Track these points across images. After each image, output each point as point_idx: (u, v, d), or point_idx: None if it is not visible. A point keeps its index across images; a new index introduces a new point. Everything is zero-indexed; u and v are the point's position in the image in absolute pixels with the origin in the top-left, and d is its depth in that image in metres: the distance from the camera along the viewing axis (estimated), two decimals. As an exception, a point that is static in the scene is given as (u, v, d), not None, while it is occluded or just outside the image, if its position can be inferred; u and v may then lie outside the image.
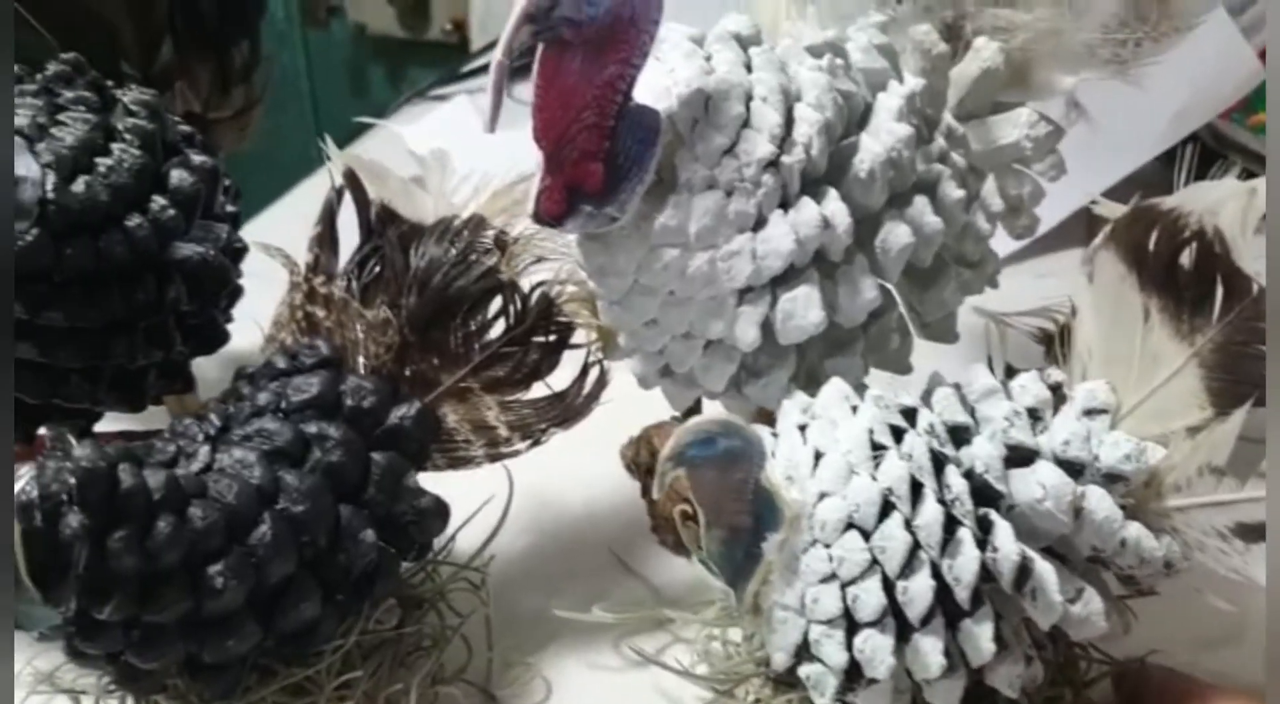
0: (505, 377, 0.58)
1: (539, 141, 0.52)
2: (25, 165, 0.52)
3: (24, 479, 0.45)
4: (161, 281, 0.56)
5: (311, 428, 0.53)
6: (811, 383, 0.56)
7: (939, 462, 0.48)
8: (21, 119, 0.54)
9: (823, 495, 0.47)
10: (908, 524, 0.46)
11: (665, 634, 0.60)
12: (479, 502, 0.60)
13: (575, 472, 0.68)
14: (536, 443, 0.58)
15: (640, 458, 0.70)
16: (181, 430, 0.53)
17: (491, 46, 1.29)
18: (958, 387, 0.52)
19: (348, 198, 0.60)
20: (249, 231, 0.67)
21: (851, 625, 0.46)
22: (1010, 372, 0.62)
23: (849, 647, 0.46)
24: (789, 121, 0.52)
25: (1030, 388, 0.52)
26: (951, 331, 0.58)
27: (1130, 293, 0.51)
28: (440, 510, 0.55)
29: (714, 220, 0.51)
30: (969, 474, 0.48)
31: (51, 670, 0.54)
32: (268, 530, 0.49)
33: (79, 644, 0.47)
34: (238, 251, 0.61)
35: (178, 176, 0.57)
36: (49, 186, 0.52)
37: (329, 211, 0.61)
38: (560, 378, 0.59)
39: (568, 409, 0.59)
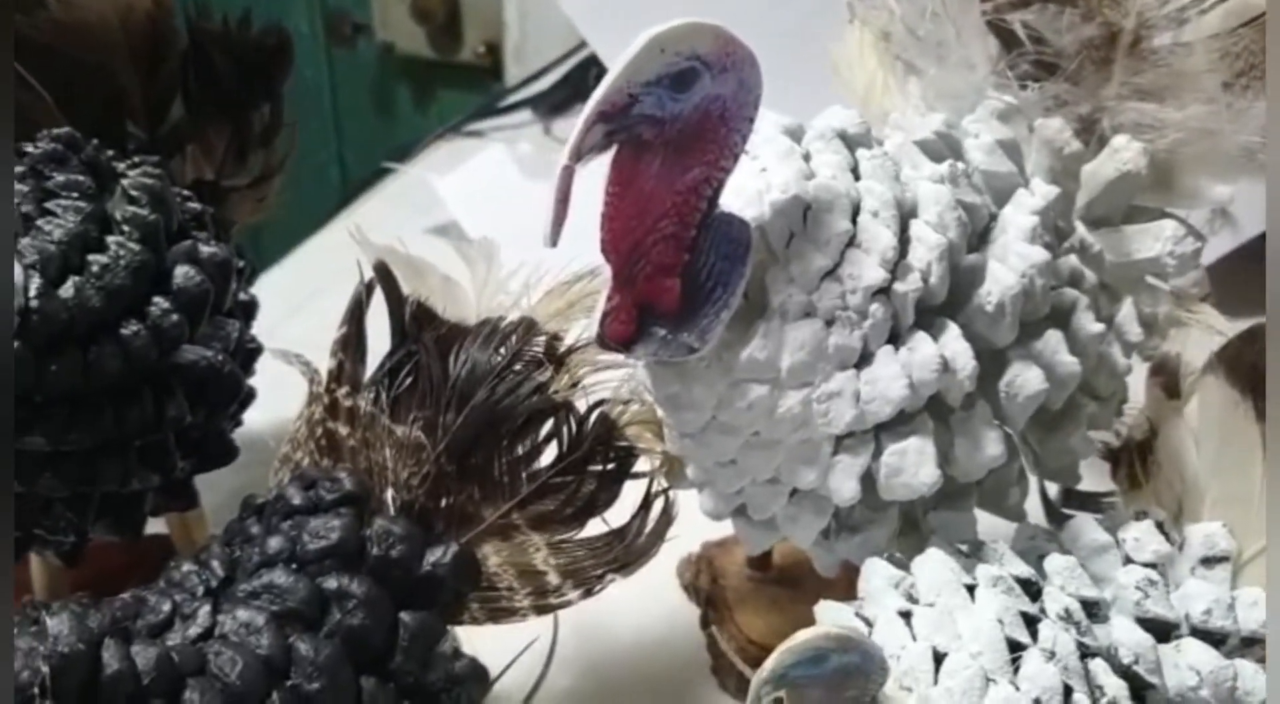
0: (555, 511, 0.50)
1: (607, 255, 0.44)
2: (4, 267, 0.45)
3: (-14, 664, 0.38)
4: (160, 395, 0.48)
5: (331, 583, 0.45)
6: (909, 529, 0.48)
7: (1083, 655, 0.40)
8: (3, 207, 0.47)
9: (951, 711, 0.39)
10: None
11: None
12: (517, 639, 0.52)
13: (625, 593, 0.60)
14: (590, 592, 0.50)
15: (700, 582, 0.62)
16: (179, 580, 0.45)
17: (531, 80, 1.23)
18: (1051, 539, 0.45)
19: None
20: (261, 287, 0.59)
21: None
22: (1070, 495, 0.54)
23: None
24: (904, 242, 0.44)
25: (1147, 542, 0.45)
26: (1075, 474, 0.50)
27: (1244, 423, 0.45)
28: (479, 675, 0.47)
29: (811, 355, 0.43)
30: (1116, 665, 0.40)
31: None
32: (280, 714, 0.42)
33: None
34: (250, 353, 0.53)
35: (183, 274, 0.49)
36: (33, 292, 0.45)
37: (357, 310, 0.53)
38: (616, 512, 0.52)
39: (628, 550, 0.51)
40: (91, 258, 0.47)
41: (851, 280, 0.43)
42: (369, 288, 0.53)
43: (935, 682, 0.40)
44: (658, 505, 0.52)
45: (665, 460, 0.52)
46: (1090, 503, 0.53)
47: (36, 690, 0.37)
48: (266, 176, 0.62)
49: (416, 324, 0.52)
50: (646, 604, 0.62)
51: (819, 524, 0.47)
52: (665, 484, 0.52)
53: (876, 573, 0.44)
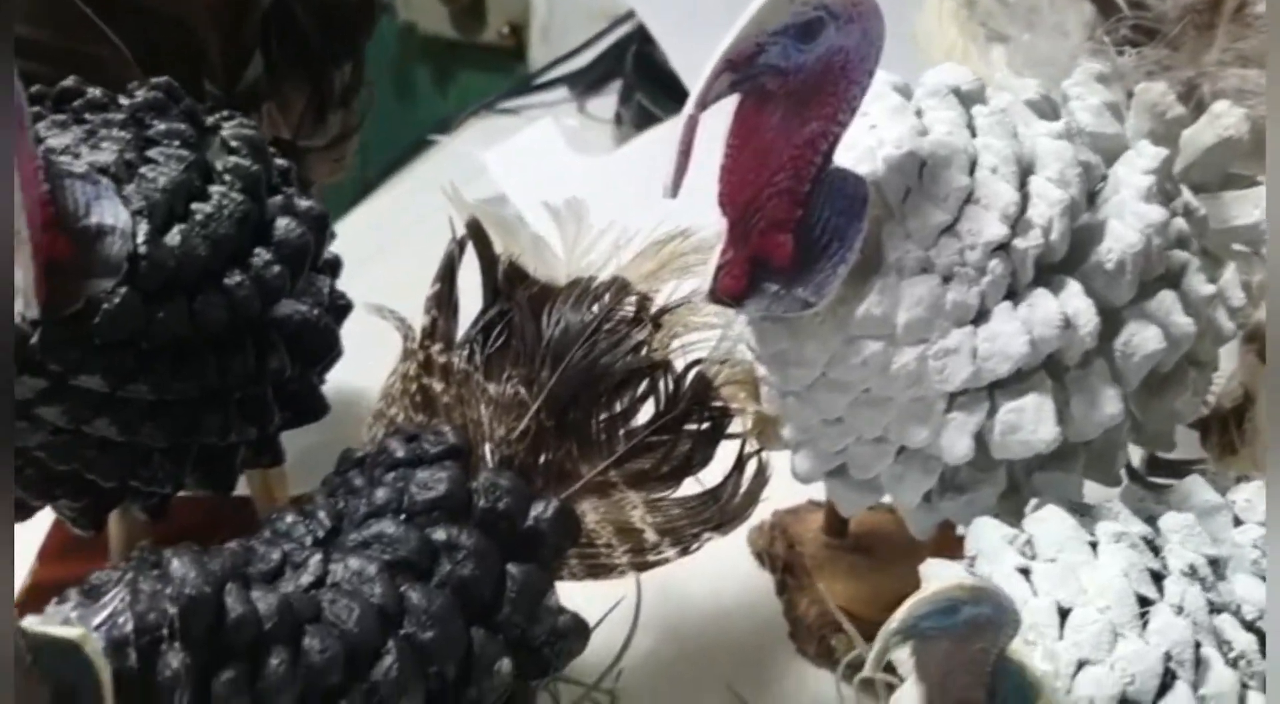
0: (652, 470, 0.50)
1: (724, 207, 0.44)
2: (113, 212, 0.44)
3: (112, 604, 0.37)
4: (261, 348, 0.48)
5: (440, 534, 0.44)
6: (1011, 492, 0.48)
7: (1211, 610, 0.40)
8: (106, 155, 0.46)
9: (1082, 664, 0.39)
10: (1197, 696, 0.38)
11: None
12: (598, 600, 0.51)
13: (698, 559, 0.60)
14: (687, 551, 0.50)
15: (775, 549, 0.62)
16: (285, 531, 0.45)
17: (564, 59, 1.22)
18: (1160, 501, 0.45)
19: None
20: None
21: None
22: (1155, 463, 0.54)
23: None
24: (1023, 198, 0.44)
25: (1258, 503, 0.45)
26: (1171, 440, 0.50)
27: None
28: (580, 631, 0.47)
29: (928, 311, 0.43)
30: (1243, 621, 0.41)
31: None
32: (393, 663, 0.41)
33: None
34: (341, 309, 0.53)
35: (284, 225, 0.49)
36: (140, 238, 0.44)
37: (449, 268, 0.53)
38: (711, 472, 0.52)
39: (724, 510, 0.50)
40: (195, 206, 0.47)
41: (970, 236, 0.43)
42: (461, 245, 0.53)
43: (1060, 636, 0.40)
44: (751, 466, 0.52)
45: (759, 421, 0.52)
46: (1179, 471, 0.53)
47: (166, 632, 0.37)
48: (345, 136, 0.61)
49: (509, 283, 0.52)
50: (721, 571, 0.62)
51: (926, 484, 0.47)
52: (758, 445, 0.52)
53: (989, 531, 0.44)
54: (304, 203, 0.50)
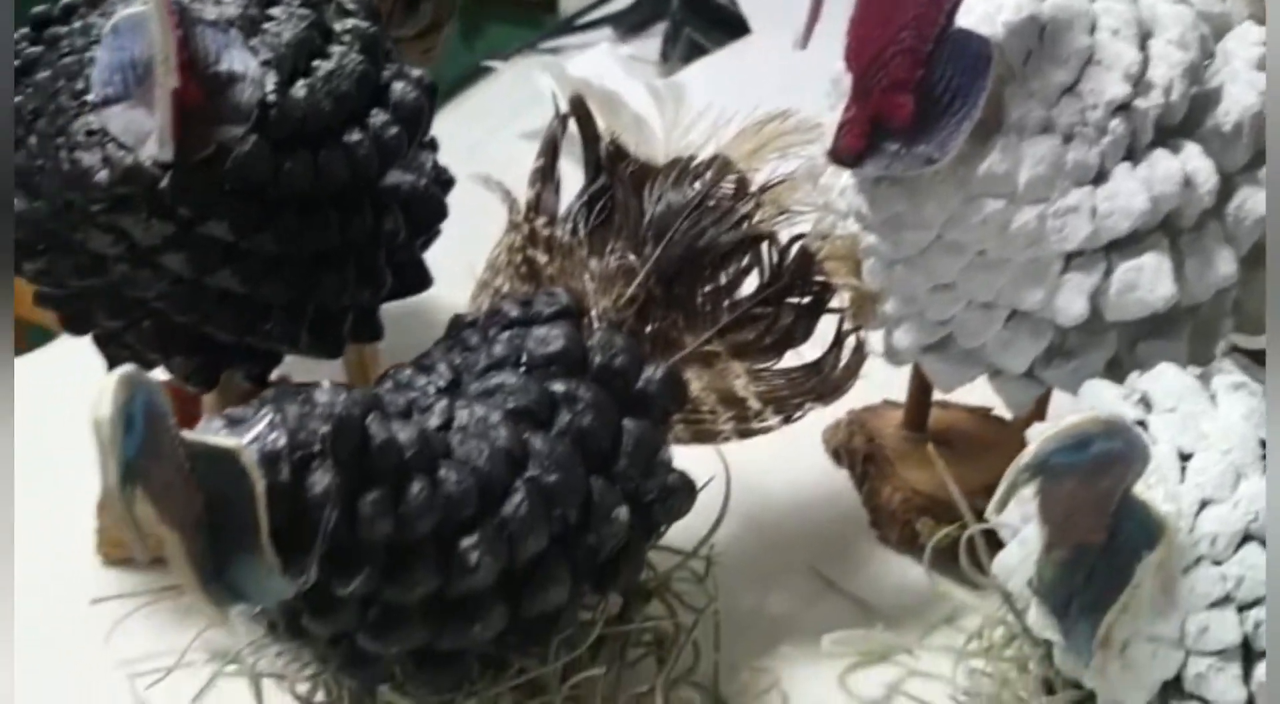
0: (754, 341, 0.51)
1: (849, 62, 0.45)
2: (242, 60, 0.44)
3: (262, 423, 0.38)
4: (378, 209, 0.48)
5: (558, 386, 0.45)
6: (1113, 365, 0.49)
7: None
8: (230, 9, 0.46)
9: (1205, 504, 0.40)
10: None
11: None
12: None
13: (774, 456, 0.60)
14: (789, 419, 0.51)
15: (854, 443, 0.63)
16: (406, 382, 0.45)
17: (589, 9, 1.22)
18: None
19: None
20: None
21: (1250, 656, 0.39)
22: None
23: (1247, 680, 0.38)
24: (1144, 60, 0.44)
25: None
26: (1263, 322, 0.51)
27: None
28: (688, 490, 0.47)
29: (1049, 170, 0.44)
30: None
31: (242, 650, 0.47)
32: (522, 501, 0.42)
33: (308, 622, 0.40)
34: (445, 184, 0.53)
35: (400, 89, 0.49)
36: (270, 87, 0.45)
37: (552, 144, 0.53)
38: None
39: (824, 382, 0.51)
40: (317, 63, 0.47)
41: (1092, 96, 0.44)
42: (563, 122, 0.53)
43: (1182, 480, 0.41)
44: (850, 342, 0.52)
45: (858, 297, 0.52)
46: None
47: (317, 449, 0.38)
48: (435, 26, 0.62)
49: (611, 160, 0.53)
50: (797, 467, 0.63)
51: (1035, 349, 0.47)
52: (855, 323, 0.53)
53: (1103, 389, 0.45)
54: (415, 71, 0.50)
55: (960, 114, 0.44)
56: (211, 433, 0.37)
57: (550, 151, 0.53)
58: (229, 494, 0.36)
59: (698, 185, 0.52)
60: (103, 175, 0.44)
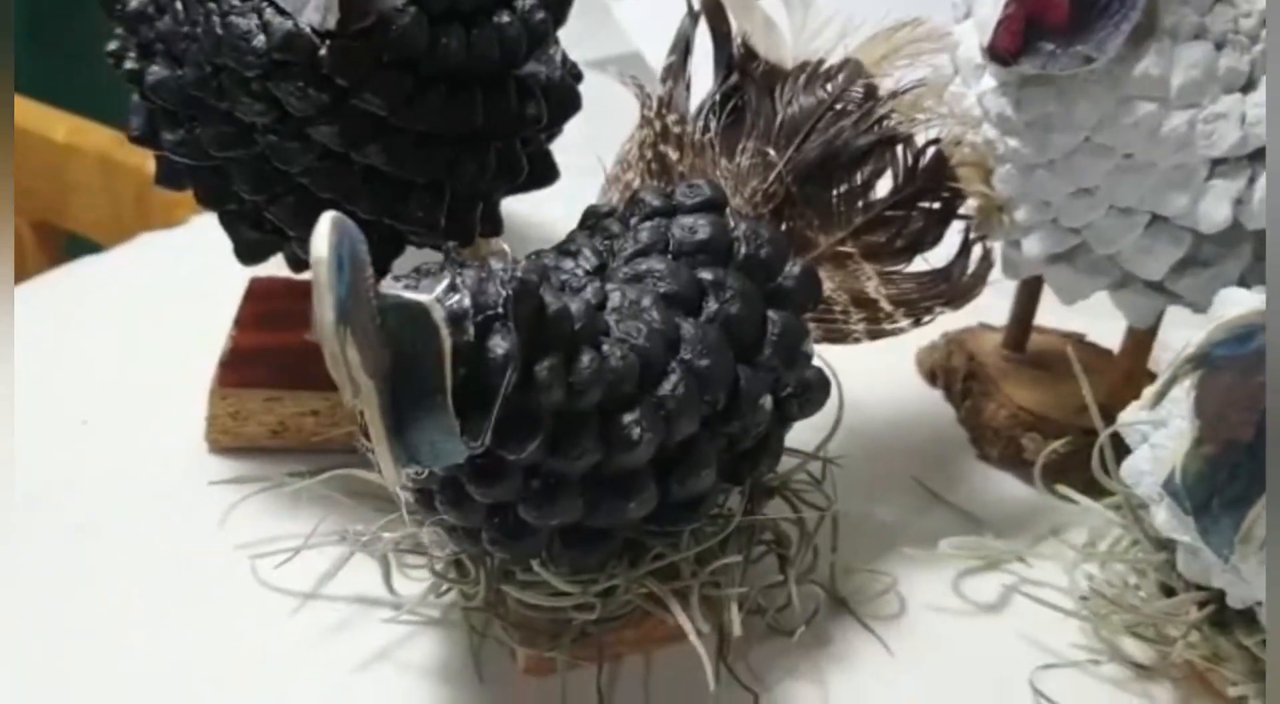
0: (886, 244, 0.51)
1: (1012, -41, 0.45)
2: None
3: (442, 285, 0.38)
4: (522, 95, 0.48)
5: (706, 273, 0.45)
6: (1241, 282, 0.49)
7: None
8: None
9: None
10: None
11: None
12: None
13: (872, 372, 0.60)
14: (919, 322, 0.51)
15: (953, 362, 0.63)
16: (553, 264, 0.45)
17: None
18: None
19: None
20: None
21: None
22: None
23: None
24: (1303, -33, 0.45)
25: None
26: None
27: None
28: (824, 385, 0.48)
29: (1202, 75, 0.44)
30: None
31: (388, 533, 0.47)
32: (678, 381, 0.42)
33: (473, 490, 0.40)
34: (576, 77, 0.53)
35: (546, -28, 0.49)
36: (427, -41, 0.44)
37: (685, 41, 0.53)
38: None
39: (954, 288, 0.51)
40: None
41: (1245, 3, 0.44)
42: (694, 19, 0.53)
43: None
44: (977, 250, 0.53)
45: (986, 205, 0.53)
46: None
47: (499, 311, 0.37)
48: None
49: (743, 60, 0.53)
50: (891, 385, 0.63)
51: (1173, 255, 0.48)
52: (980, 232, 0.53)
53: (1241, 295, 0.45)
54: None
55: (1120, 16, 0.44)
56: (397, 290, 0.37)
57: (683, 49, 0.53)
58: (415, 351, 0.36)
59: (829, 88, 0.52)
60: (260, 40, 0.43)
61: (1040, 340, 0.63)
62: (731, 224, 0.47)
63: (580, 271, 0.45)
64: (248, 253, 0.50)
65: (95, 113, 0.96)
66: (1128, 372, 0.56)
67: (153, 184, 0.52)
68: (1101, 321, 0.60)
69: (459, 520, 0.41)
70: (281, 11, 0.43)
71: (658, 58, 0.55)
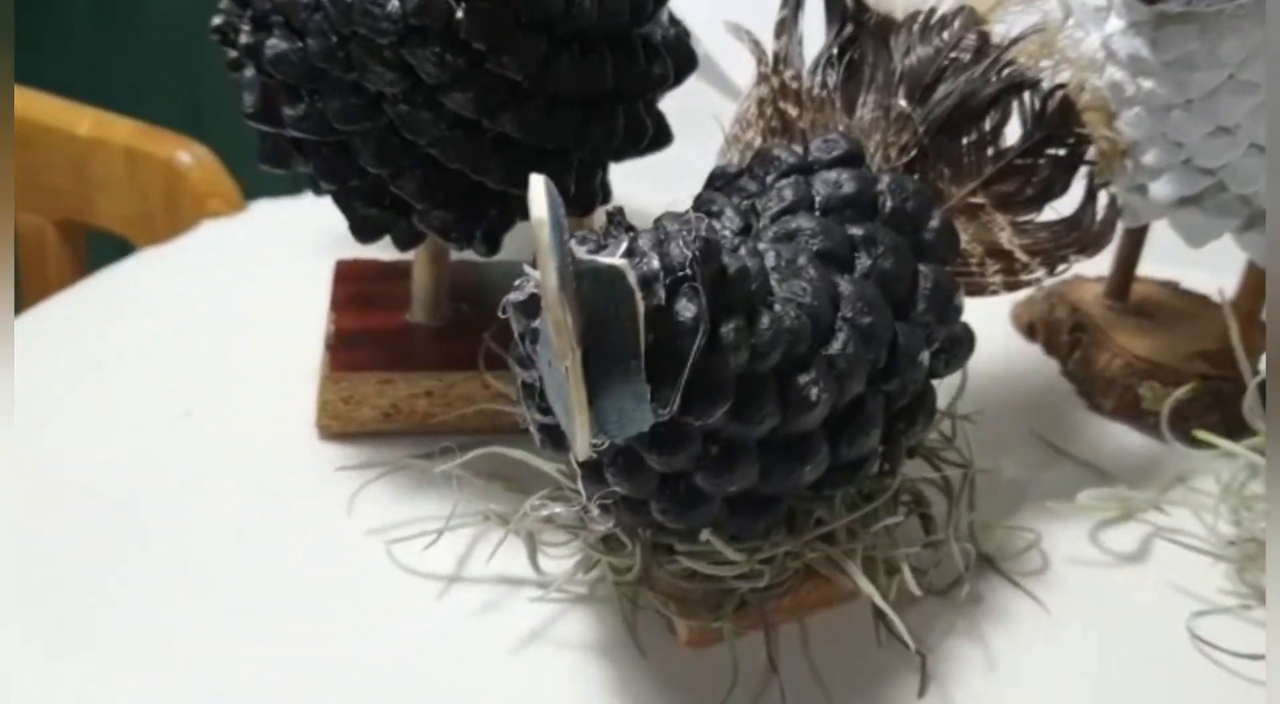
0: (1016, 192, 0.50)
1: (1158, -104, 0.44)
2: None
3: (622, 247, 0.36)
4: (649, 54, 0.47)
5: (856, 229, 0.44)
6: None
7: None
8: None
9: None
10: None
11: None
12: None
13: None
14: (1053, 271, 0.50)
15: (1056, 314, 0.62)
16: (692, 222, 0.44)
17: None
18: None
19: None
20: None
21: None
22: None
23: None
24: None
25: None
26: None
27: None
28: (970, 342, 0.47)
29: (1352, 3, 0.44)
30: None
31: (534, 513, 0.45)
32: (847, 340, 0.41)
33: (653, 458, 0.39)
34: (685, 33, 0.51)
35: (665, -72, 0.47)
36: (561, -82, 0.43)
37: (795, -7, 0.52)
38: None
39: (1085, 235, 0.50)
40: (590, -102, 0.45)
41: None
42: (802, -29, 0.52)
43: None
44: (1103, 196, 0.52)
45: (1110, 149, 0.52)
46: None
47: (689, 271, 0.36)
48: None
49: (856, 11, 0.51)
50: (989, 342, 0.62)
51: (1318, 191, 0.47)
52: (1102, 177, 0.52)
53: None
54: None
55: (1267, -53, 0.43)
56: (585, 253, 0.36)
57: (794, 3, 0.52)
58: (608, 316, 0.35)
59: (945, 36, 0.51)
60: (394, 6, 0.41)
61: (1139, 288, 0.62)
62: (874, 177, 0.46)
63: (728, 232, 0.44)
64: (366, 230, 0.48)
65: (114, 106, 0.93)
66: (1249, 313, 0.55)
67: (259, 161, 0.50)
68: (1188, 270, 0.60)
69: (631, 491, 0.40)
70: (415, -26, 0.42)
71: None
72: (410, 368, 0.53)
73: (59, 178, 0.92)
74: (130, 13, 1.39)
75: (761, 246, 0.42)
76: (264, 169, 0.49)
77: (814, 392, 0.39)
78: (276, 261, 0.66)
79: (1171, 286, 0.64)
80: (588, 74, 0.44)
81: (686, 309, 0.36)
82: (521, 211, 0.48)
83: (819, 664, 0.45)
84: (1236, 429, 0.52)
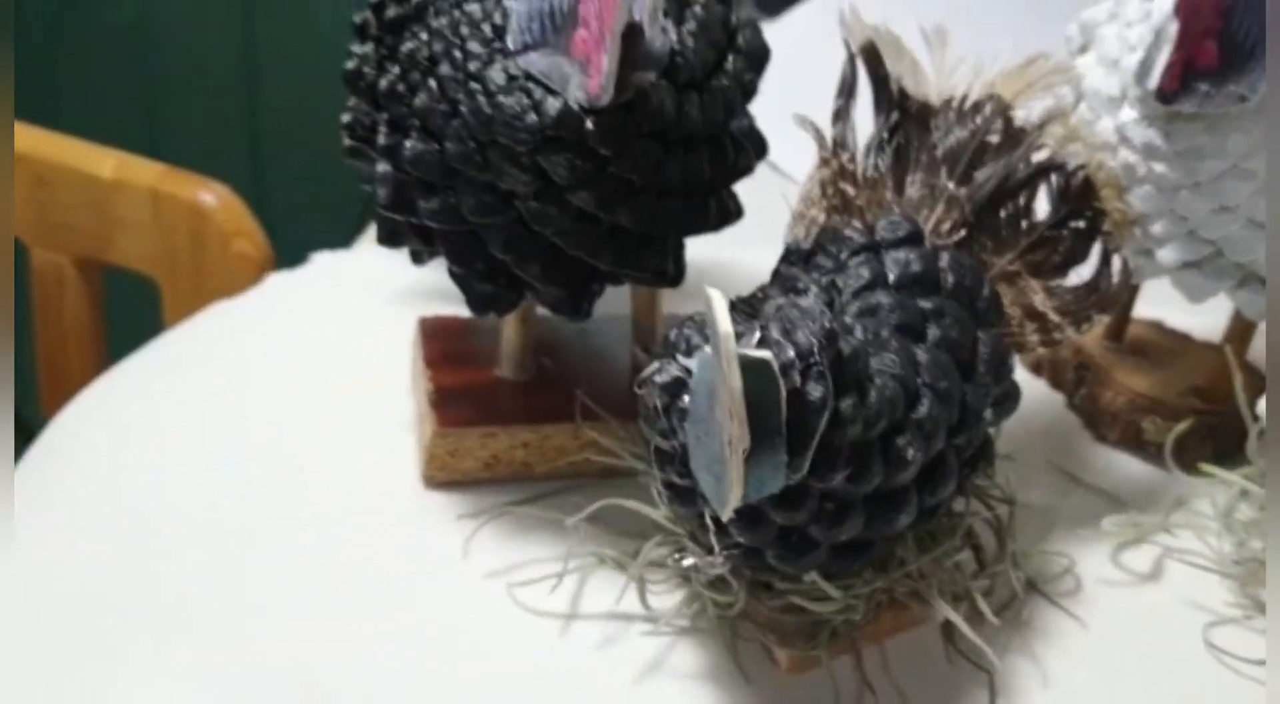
0: (1044, 261, 0.57)
1: (1178, 11, 0.51)
2: (644, 8, 0.48)
3: (756, 336, 0.42)
4: (736, 147, 0.53)
5: (925, 303, 0.51)
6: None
7: None
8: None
9: None
10: None
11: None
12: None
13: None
14: (1079, 329, 0.57)
15: (1060, 356, 0.70)
16: (789, 304, 0.50)
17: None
18: None
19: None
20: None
21: None
22: None
23: None
24: None
25: None
26: None
27: None
28: (1018, 394, 0.54)
29: (1336, 105, 0.51)
30: None
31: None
32: (931, 404, 0.47)
33: (776, 514, 0.45)
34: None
35: (747, 34, 0.53)
36: (674, 36, 0.49)
37: (849, 84, 0.58)
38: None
39: (1103, 296, 0.58)
40: (687, 12, 0.51)
41: (1371, 42, 0.51)
42: (853, 64, 0.58)
43: None
44: (1116, 261, 0.59)
45: (1121, 220, 0.59)
46: None
47: (816, 358, 0.42)
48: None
49: (900, 98, 0.58)
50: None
51: (1304, 260, 0.55)
52: (1113, 244, 0.60)
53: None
54: (747, 13, 0.55)
55: (1264, 58, 0.51)
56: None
57: (848, 92, 0.58)
58: (759, 399, 0.41)
59: (978, 121, 0.58)
60: (533, 118, 0.47)
61: (1131, 329, 0.70)
62: (936, 254, 0.52)
63: (817, 310, 0.50)
64: (482, 304, 0.53)
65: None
66: (1238, 353, 0.63)
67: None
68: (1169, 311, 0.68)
69: (751, 541, 0.46)
70: (549, 90, 0.47)
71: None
72: (508, 421, 0.58)
73: (78, 216, 0.96)
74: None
75: (848, 321, 0.49)
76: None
77: (910, 452, 0.46)
78: (346, 313, 0.71)
79: (1157, 326, 0.71)
80: (691, 171, 0.50)
81: (815, 390, 0.42)
82: (611, 282, 0.54)
83: (900, 683, 0.51)
84: (1227, 458, 0.61)
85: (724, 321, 0.38)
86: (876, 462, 0.45)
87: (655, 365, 0.45)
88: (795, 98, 0.57)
